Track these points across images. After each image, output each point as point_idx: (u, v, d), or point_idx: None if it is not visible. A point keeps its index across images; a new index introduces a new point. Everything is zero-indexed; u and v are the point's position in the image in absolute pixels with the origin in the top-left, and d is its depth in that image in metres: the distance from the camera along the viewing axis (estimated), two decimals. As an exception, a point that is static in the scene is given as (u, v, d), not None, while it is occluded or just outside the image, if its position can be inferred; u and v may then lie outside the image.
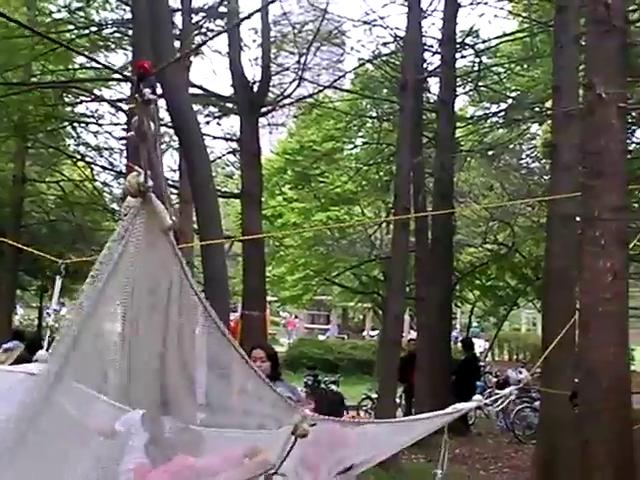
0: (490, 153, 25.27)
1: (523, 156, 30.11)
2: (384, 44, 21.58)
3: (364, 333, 51.19)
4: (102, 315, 3.30)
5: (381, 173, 26.77)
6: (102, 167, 26.22)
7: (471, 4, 20.30)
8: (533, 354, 47.34)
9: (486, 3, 19.88)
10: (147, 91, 2.70)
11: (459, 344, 30.49)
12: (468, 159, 25.29)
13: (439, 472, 9.04)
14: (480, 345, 33.48)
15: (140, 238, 3.16)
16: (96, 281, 3.14)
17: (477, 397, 9.40)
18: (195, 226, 16.86)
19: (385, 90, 24.17)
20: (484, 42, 22.99)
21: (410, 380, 19.23)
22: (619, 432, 8.07)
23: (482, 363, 25.73)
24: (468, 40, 21.56)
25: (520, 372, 23.72)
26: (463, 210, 26.27)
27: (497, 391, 10.75)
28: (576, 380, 9.40)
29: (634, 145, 20.06)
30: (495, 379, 25.12)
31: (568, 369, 10.90)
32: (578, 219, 12.58)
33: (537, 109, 23.16)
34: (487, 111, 26.86)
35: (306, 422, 6.93)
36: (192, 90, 19.05)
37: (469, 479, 14.57)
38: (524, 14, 21.60)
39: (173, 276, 3.37)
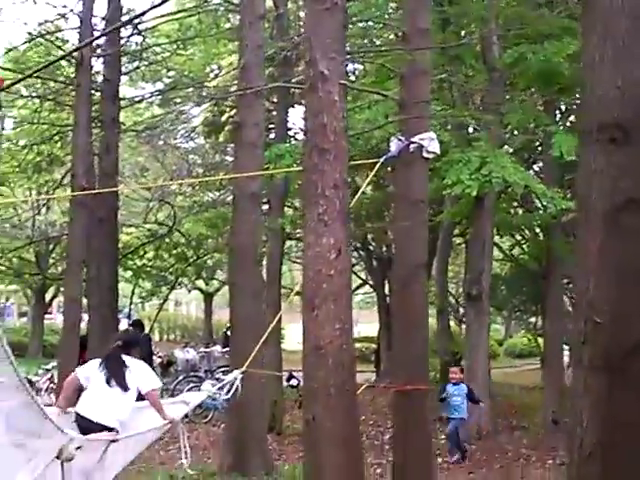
0: (147, 133, 25.14)
1: (177, 136, 30.16)
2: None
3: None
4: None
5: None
6: None
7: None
8: (184, 333, 47.92)
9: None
10: None
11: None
12: (126, 139, 24.95)
13: (184, 461, 8.91)
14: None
15: None
16: None
17: (206, 387, 9.27)
18: None
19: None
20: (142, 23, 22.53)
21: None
22: (346, 407, 8.25)
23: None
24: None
25: (187, 352, 23.87)
26: (129, 187, 25.93)
27: (223, 377, 10.56)
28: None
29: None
30: (159, 359, 24.95)
31: (255, 347, 10.70)
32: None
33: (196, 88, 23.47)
34: (143, 91, 26.64)
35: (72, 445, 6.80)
36: None
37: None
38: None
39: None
